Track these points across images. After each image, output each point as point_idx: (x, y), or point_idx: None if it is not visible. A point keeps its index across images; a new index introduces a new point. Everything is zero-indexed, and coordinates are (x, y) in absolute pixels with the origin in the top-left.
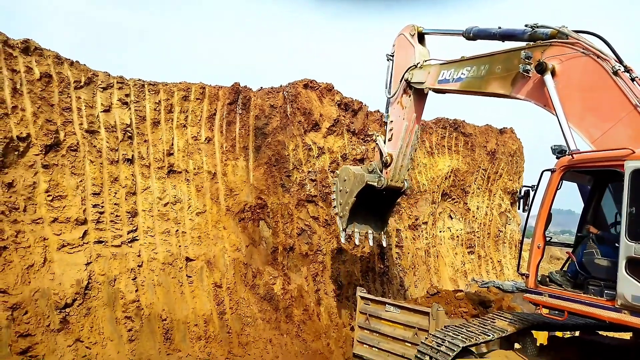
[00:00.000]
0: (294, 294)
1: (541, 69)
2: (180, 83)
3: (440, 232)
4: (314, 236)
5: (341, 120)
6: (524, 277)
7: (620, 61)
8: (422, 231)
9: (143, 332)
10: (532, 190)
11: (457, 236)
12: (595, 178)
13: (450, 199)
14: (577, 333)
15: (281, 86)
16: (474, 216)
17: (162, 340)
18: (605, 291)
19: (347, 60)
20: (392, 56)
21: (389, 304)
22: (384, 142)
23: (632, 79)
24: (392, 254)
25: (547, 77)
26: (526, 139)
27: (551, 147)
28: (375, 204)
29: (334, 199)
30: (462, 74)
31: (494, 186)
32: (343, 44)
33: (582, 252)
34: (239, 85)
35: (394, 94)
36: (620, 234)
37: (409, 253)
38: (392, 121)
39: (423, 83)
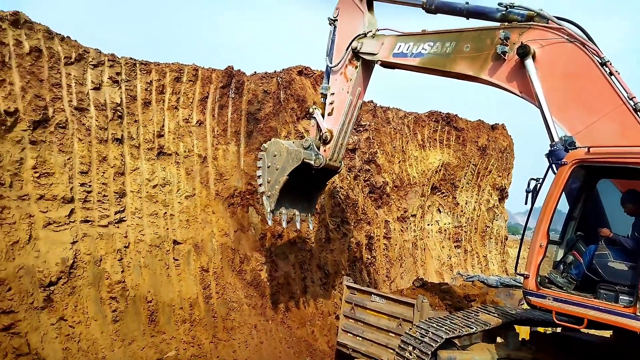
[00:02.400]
0: (281, 281)
1: (524, 52)
2: (172, 64)
3: (428, 225)
4: (303, 224)
5: None
6: (523, 277)
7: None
8: (410, 223)
9: (128, 313)
10: (539, 184)
11: (445, 230)
12: (587, 176)
13: (439, 193)
14: (558, 329)
15: (275, 72)
16: (462, 211)
17: (147, 322)
18: (621, 297)
19: None
20: (335, 20)
21: (375, 294)
22: (323, 117)
23: (610, 73)
24: (380, 244)
25: (529, 62)
26: (517, 136)
27: (561, 138)
28: (303, 184)
29: (259, 176)
30: (423, 49)
31: (483, 182)
32: None
33: (590, 253)
34: (233, 68)
35: (337, 64)
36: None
37: (396, 245)
38: (333, 94)
39: (375, 55)
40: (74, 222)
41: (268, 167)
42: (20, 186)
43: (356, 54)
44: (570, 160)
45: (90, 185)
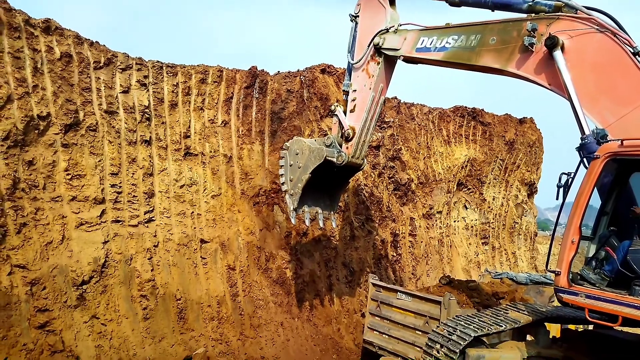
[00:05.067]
0: (306, 279)
1: (552, 43)
2: (198, 66)
3: (454, 221)
4: (327, 222)
5: None
6: (555, 274)
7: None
8: (436, 220)
9: (158, 310)
10: (571, 178)
11: (472, 226)
12: (620, 169)
13: (465, 189)
14: (590, 326)
15: (298, 70)
16: (489, 207)
17: (176, 320)
18: None
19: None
20: (357, 16)
21: (401, 291)
22: (345, 114)
23: None
24: (405, 242)
25: (558, 53)
26: (546, 130)
27: (592, 130)
28: (325, 182)
29: (282, 175)
30: (447, 43)
31: (511, 177)
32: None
33: (623, 249)
34: (256, 68)
35: (359, 60)
36: None
37: (422, 242)
38: (355, 90)
39: (397, 50)
40: (105, 222)
41: (290, 166)
42: (53, 188)
43: (378, 50)
44: (603, 154)
45: (120, 186)
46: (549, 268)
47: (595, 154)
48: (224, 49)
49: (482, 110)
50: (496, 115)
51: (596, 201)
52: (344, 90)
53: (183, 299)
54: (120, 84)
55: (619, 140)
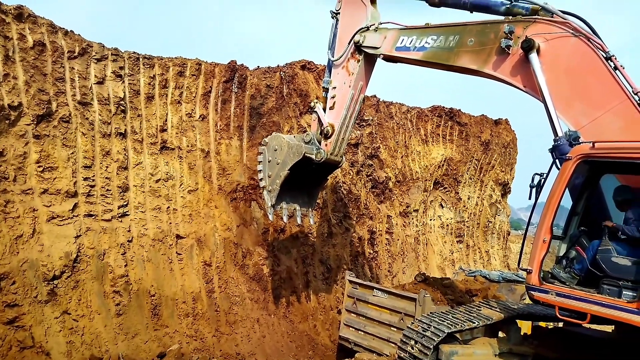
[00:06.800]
0: (283, 276)
1: (528, 46)
2: (175, 58)
3: (430, 220)
4: (305, 218)
5: None
6: (526, 272)
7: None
8: (412, 219)
9: (131, 307)
10: (543, 179)
11: (447, 225)
12: (591, 171)
13: (442, 188)
14: (560, 324)
15: (278, 66)
16: (464, 206)
17: (150, 316)
18: (624, 292)
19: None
20: (338, 13)
21: (377, 288)
22: (324, 111)
23: (615, 68)
24: (382, 239)
25: (533, 56)
26: (520, 131)
27: (565, 132)
28: (304, 178)
29: (260, 171)
30: (426, 42)
31: (486, 177)
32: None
33: (593, 249)
34: (236, 63)
35: (339, 58)
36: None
37: (398, 240)
38: (334, 87)
39: (377, 48)
40: (77, 216)
41: (269, 162)
42: (24, 180)
43: (358, 48)
44: (575, 155)
45: (93, 180)
46: (521, 266)
47: (568, 155)
48: (204, 45)
49: (459, 110)
50: (472, 116)
51: (567, 202)
52: (323, 87)
53: (157, 295)
54: (95, 75)
55: (590, 142)
